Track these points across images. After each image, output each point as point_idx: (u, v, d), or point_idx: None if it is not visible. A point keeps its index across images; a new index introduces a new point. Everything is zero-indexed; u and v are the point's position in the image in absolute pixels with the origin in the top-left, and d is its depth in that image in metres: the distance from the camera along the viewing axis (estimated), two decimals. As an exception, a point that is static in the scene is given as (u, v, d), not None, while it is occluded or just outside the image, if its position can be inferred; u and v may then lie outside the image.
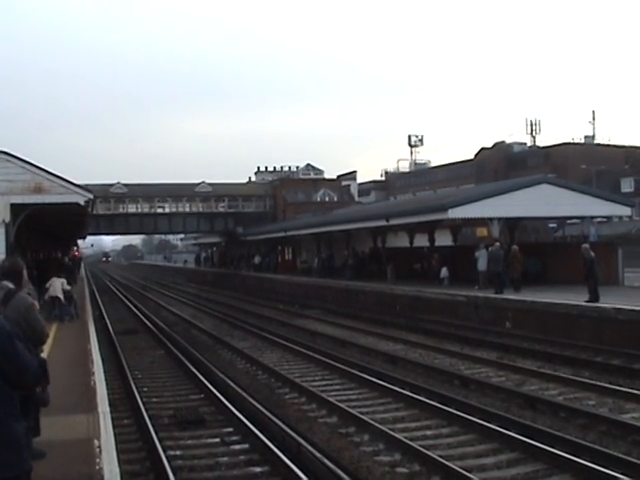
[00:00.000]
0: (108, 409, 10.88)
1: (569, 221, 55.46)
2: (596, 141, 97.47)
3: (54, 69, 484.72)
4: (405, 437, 11.80)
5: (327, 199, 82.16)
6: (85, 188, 25.27)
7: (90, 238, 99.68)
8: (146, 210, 76.45)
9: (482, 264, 31.66)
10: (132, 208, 76.07)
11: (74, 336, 20.31)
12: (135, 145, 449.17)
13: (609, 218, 57.57)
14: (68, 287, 25.82)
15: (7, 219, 23.94)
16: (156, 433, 12.12)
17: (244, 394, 15.49)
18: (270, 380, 18.30)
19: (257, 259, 70.83)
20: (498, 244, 30.74)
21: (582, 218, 39.70)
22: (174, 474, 10.00)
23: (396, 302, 35.24)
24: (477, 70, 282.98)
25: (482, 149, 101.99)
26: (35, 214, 25.71)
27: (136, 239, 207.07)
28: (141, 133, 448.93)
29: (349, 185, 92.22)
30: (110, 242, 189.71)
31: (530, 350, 21.44)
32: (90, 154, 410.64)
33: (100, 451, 8.34)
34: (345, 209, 67.37)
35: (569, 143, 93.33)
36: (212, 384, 16.65)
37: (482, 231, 53.73)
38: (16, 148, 25.32)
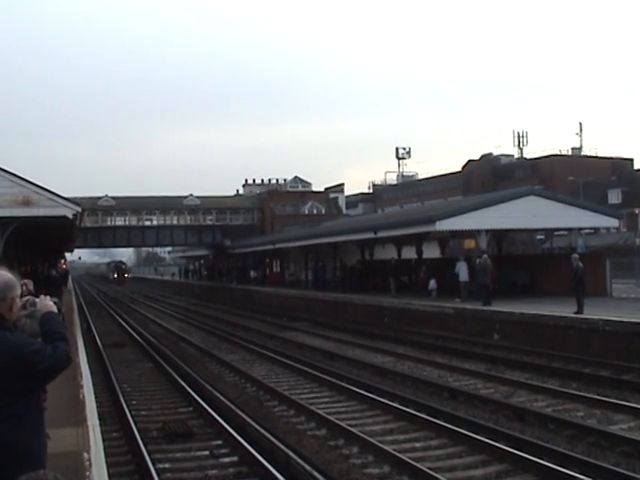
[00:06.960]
0: (97, 422, 10.83)
1: (556, 233, 55.59)
2: (583, 153, 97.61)
3: (41, 81, 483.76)
4: (394, 449, 11.81)
5: (315, 212, 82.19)
6: (73, 201, 25.25)
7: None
8: (134, 223, 76.28)
9: (463, 275, 31.96)
10: (120, 221, 75.87)
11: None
12: (123, 157, 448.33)
13: (596, 229, 57.79)
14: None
15: (-6, 232, 23.90)
16: (145, 446, 12.09)
17: (233, 407, 15.47)
18: (259, 393, 18.27)
19: (252, 273, 71.00)
20: (485, 256, 30.70)
21: (569, 230, 39.85)
22: (163, 487, 9.98)
23: (384, 314, 35.26)
24: (464, 82, 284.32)
25: (469, 161, 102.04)
26: (23, 227, 25.62)
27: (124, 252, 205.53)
28: (128, 145, 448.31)
29: (337, 198, 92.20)
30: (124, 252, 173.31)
31: (518, 362, 21.51)
32: (78, 166, 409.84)
33: (90, 464, 8.30)
34: (333, 222, 67.34)
35: (556, 155, 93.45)
36: (201, 397, 16.62)
37: (470, 243, 53.99)
38: (2, 160, 25.32)
